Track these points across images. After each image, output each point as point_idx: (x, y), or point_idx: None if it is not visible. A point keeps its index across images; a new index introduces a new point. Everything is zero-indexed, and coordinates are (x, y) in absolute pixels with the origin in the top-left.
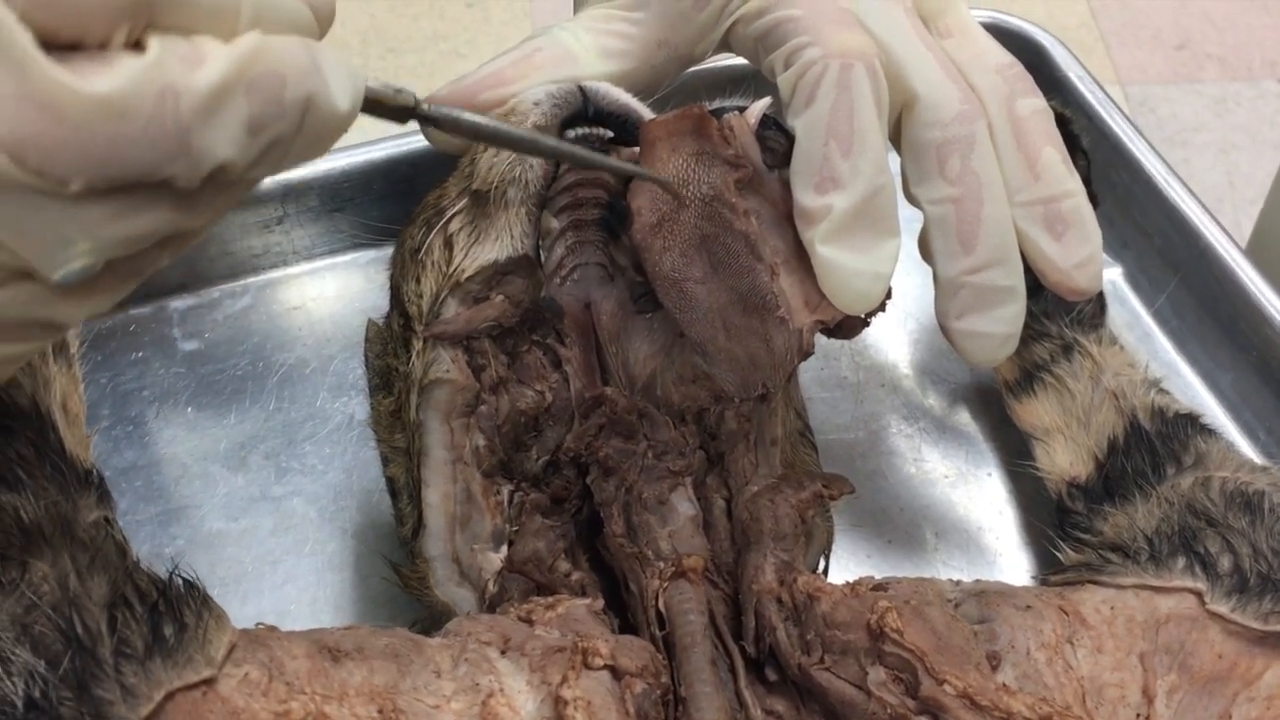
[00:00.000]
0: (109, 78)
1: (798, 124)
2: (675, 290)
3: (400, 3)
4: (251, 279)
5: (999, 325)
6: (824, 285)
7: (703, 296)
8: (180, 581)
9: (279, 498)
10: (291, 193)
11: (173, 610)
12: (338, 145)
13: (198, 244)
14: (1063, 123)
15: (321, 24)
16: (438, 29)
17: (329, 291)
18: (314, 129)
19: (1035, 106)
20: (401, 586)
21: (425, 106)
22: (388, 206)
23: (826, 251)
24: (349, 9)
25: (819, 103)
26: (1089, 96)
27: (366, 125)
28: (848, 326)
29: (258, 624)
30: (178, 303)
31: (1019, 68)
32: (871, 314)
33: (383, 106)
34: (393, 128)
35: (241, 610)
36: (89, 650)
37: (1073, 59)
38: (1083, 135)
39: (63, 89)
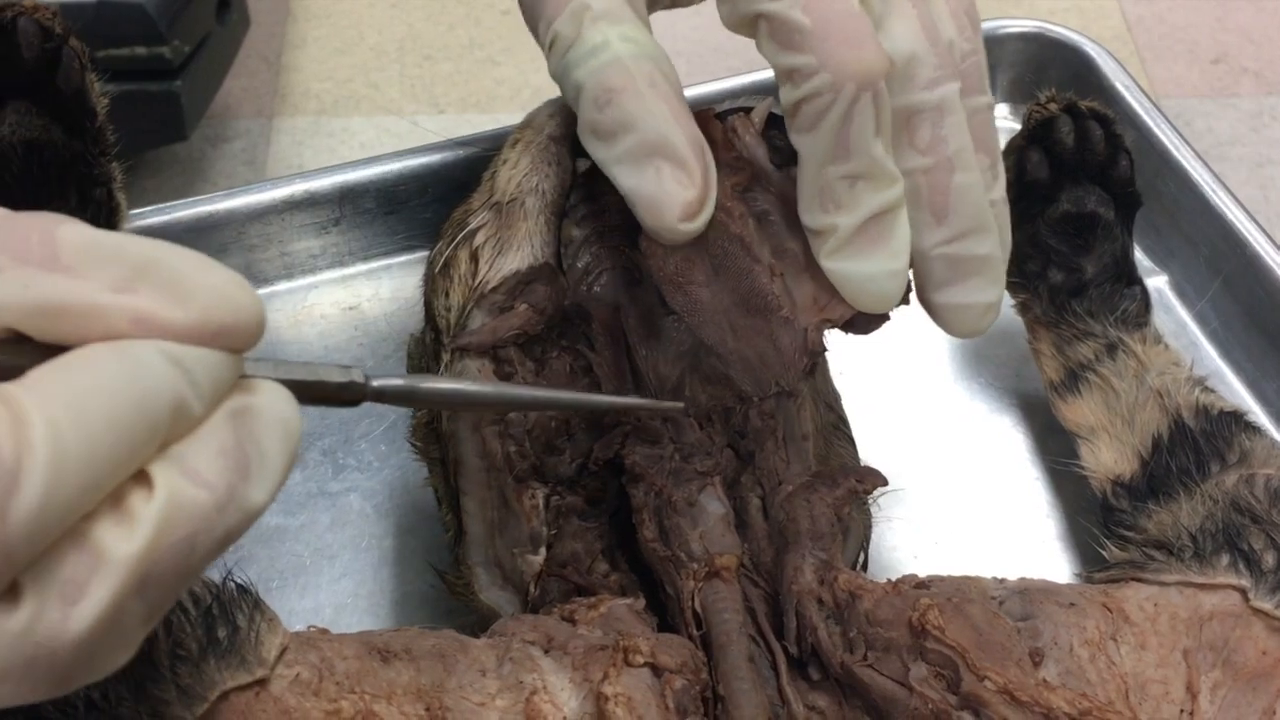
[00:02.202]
0: None
1: (800, 146)
2: (680, 294)
3: (437, 10)
4: (308, 279)
5: (978, 295)
6: (843, 293)
7: (707, 299)
8: (233, 585)
9: (336, 494)
10: (349, 195)
11: (225, 613)
12: (393, 149)
13: (257, 244)
14: (1104, 122)
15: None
16: (474, 36)
17: (384, 292)
18: (223, 545)
19: (979, 104)
20: (449, 593)
21: (375, 385)
22: (442, 209)
23: (834, 265)
24: (386, 17)
25: (823, 132)
26: (1136, 107)
27: (418, 133)
28: (861, 322)
29: (310, 626)
30: None
31: (979, 56)
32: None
33: (330, 400)
34: (446, 134)
35: (300, 603)
36: (145, 652)
37: (1120, 69)
38: (1125, 134)
39: None
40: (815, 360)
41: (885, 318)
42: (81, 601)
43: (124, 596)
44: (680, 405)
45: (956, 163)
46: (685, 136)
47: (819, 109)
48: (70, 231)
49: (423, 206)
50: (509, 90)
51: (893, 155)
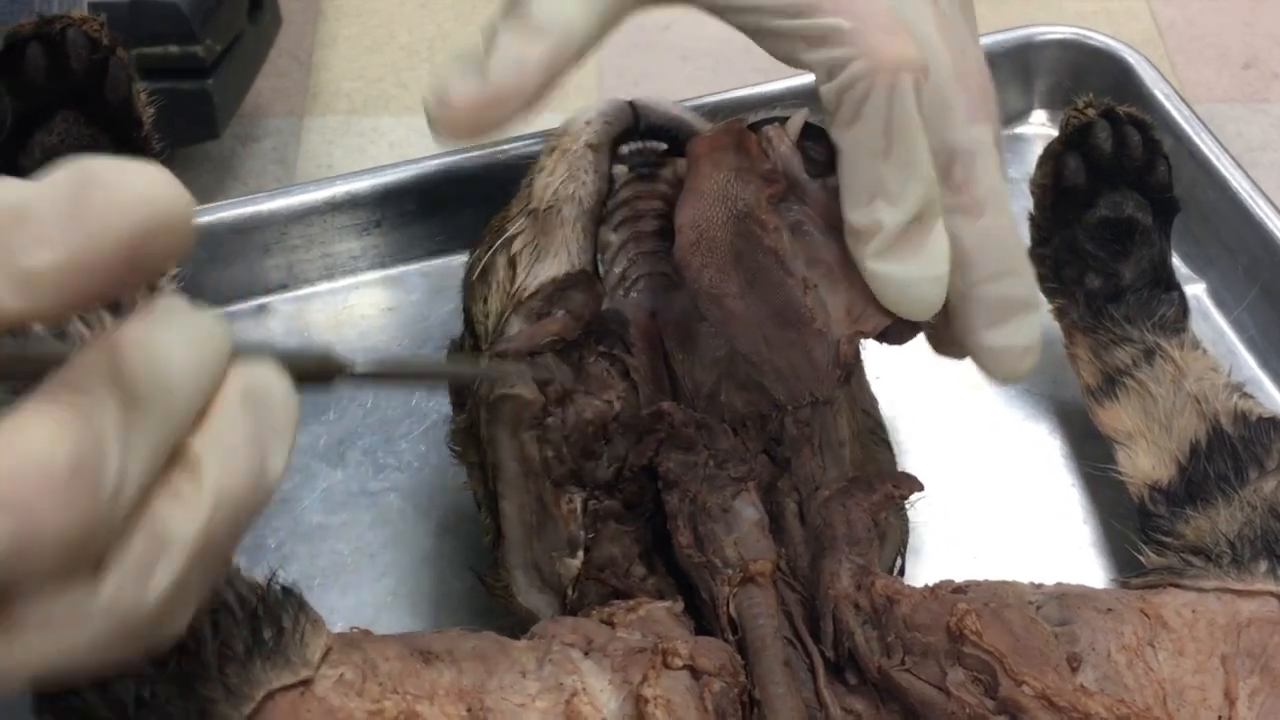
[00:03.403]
0: (24, 646)
1: (843, 140)
2: (715, 305)
3: (466, 11)
4: (349, 279)
5: (1014, 338)
6: (883, 298)
7: (741, 311)
8: (278, 587)
9: (376, 493)
10: (390, 196)
11: (271, 614)
12: (423, 149)
13: (299, 245)
14: (1142, 128)
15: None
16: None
17: (424, 294)
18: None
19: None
20: (488, 596)
21: (353, 369)
22: (482, 211)
23: (878, 267)
24: (417, 16)
25: (866, 120)
26: (1174, 114)
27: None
28: (894, 333)
29: (352, 627)
30: (278, 301)
31: (990, 90)
32: (920, 323)
33: (308, 379)
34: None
35: (342, 601)
36: (193, 652)
37: (1159, 76)
38: (1163, 140)
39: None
40: (849, 371)
41: (917, 329)
42: (154, 577)
43: (188, 571)
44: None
45: (987, 205)
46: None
47: (859, 97)
48: None
49: (463, 208)
50: None
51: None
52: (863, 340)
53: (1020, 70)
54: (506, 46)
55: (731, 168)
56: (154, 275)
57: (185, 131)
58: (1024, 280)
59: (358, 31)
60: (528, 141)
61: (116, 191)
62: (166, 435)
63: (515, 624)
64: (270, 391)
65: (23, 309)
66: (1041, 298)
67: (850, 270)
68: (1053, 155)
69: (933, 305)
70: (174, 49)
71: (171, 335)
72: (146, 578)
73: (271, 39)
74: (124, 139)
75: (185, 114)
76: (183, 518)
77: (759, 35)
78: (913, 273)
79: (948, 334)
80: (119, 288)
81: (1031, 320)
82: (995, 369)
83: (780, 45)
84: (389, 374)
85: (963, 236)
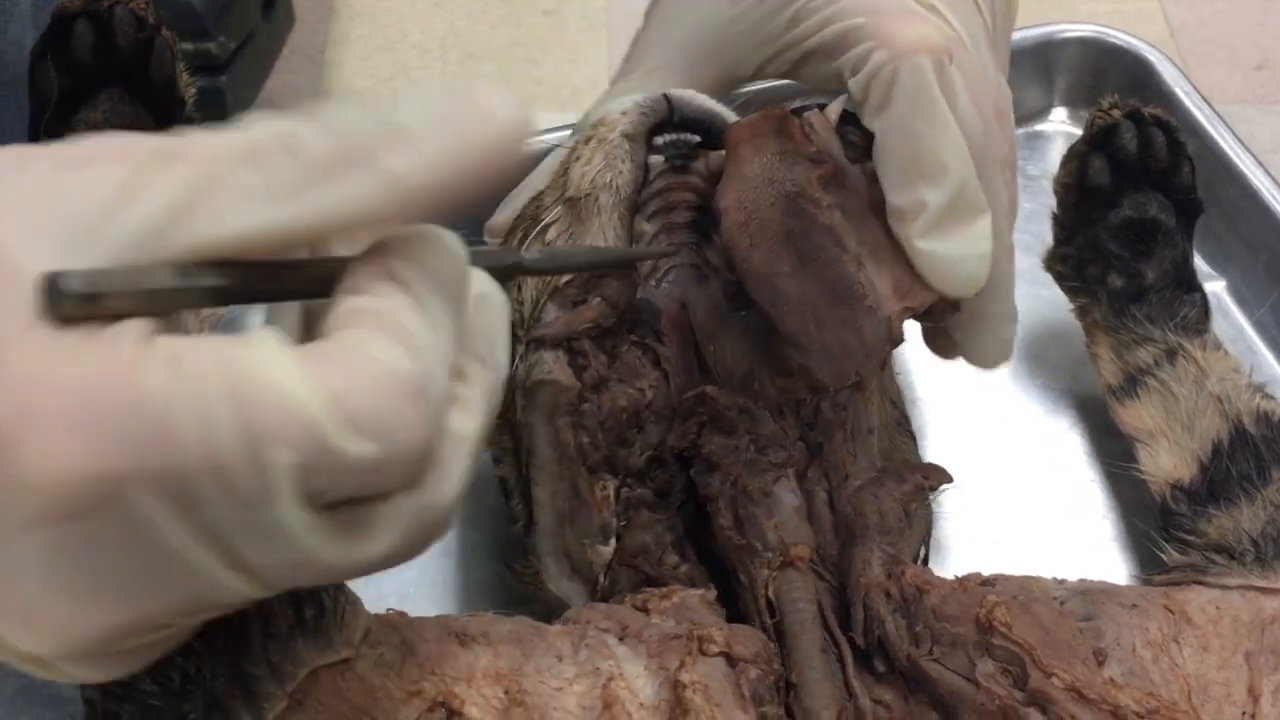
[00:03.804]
0: (385, 539)
1: (876, 126)
2: (766, 286)
3: (479, 10)
4: None
5: (989, 346)
6: (929, 277)
7: (793, 290)
8: None
9: None
10: None
11: (311, 593)
12: None
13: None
14: (1167, 129)
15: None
16: (515, 36)
17: None
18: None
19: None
20: (516, 583)
21: (527, 263)
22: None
23: (925, 245)
24: (429, 16)
25: (895, 104)
26: (1195, 113)
27: None
28: (938, 311)
29: (389, 610)
30: None
31: (1009, 107)
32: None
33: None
34: None
35: (364, 591)
36: (238, 629)
37: (1179, 75)
38: (1187, 142)
39: (339, 557)
40: (894, 348)
41: (956, 307)
42: (450, 475)
43: (471, 466)
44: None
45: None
46: None
47: (886, 82)
48: (333, 120)
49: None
50: (549, 90)
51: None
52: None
53: (1041, 68)
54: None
55: (775, 151)
56: (495, 196)
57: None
58: (1002, 300)
59: (370, 30)
60: (553, 135)
61: (486, 107)
62: (455, 347)
63: (541, 613)
64: (490, 295)
65: (388, 214)
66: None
67: (894, 250)
68: (1077, 155)
69: (979, 281)
70: (188, 45)
71: (442, 256)
72: (446, 477)
73: (284, 37)
74: (167, 117)
75: (198, 111)
76: (466, 420)
77: (796, 68)
78: (958, 250)
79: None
80: (466, 202)
81: (1010, 329)
82: (975, 360)
83: (815, 67)
84: (556, 265)
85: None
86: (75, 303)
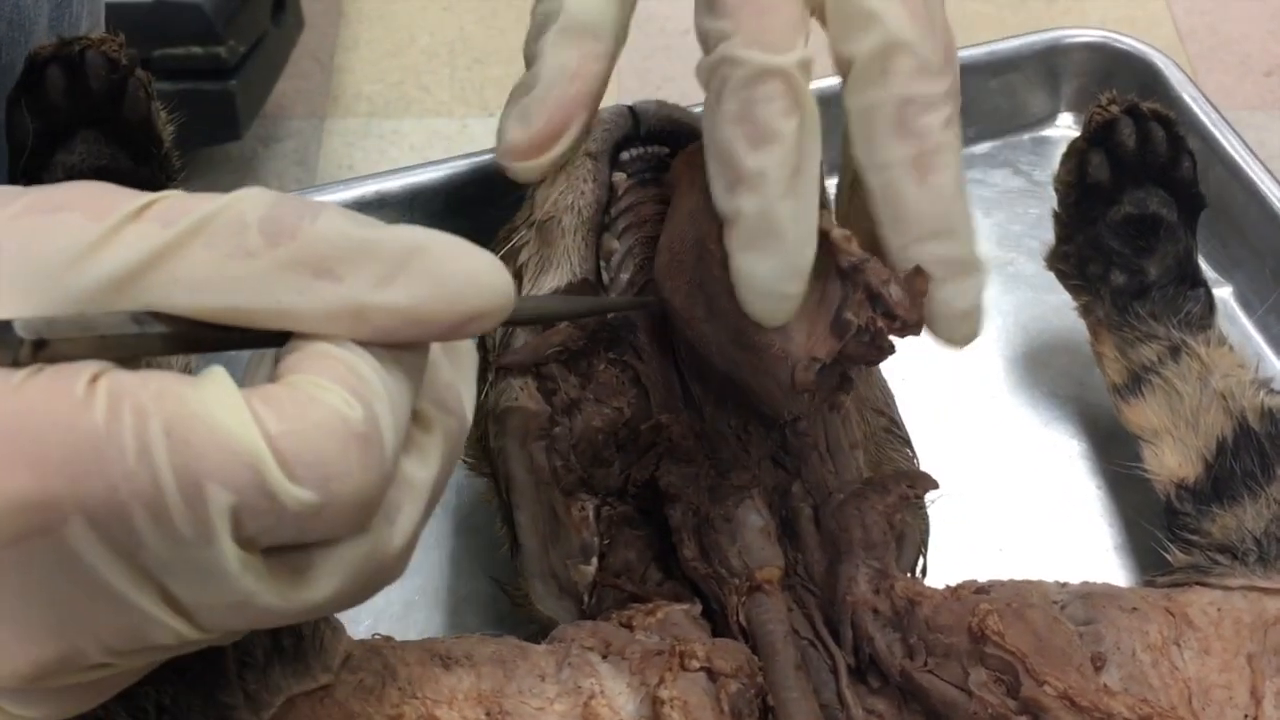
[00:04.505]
0: (326, 584)
1: (709, 119)
2: (687, 329)
3: (488, 15)
4: None
5: (953, 302)
6: (741, 297)
7: (710, 334)
8: None
9: None
10: (419, 197)
11: None
12: (443, 151)
13: None
14: (1166, 124)
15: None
16: (524, 40)
17: None
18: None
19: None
20: (511, 604)
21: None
22: (509, 211)
23: (738, 259)
24: (438, 20)
25: (726, 102)
26: (1203, 118)
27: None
28: (852, 358)
29: (375, 634)
30: None
31: (952, 43)
32: (883, 342)
33: None
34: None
35: (370, 600)
36: (213, 659)
37: (1186, 80)
38: (1186, 137)
39: (277, 601)
40: (815, 393)
41: (882, 352)
42: (400, 523)
43: (425, 514)
44: (651, 300)
45: (935, 161)
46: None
47: (722, 80)
48: (327, 227)
49: (488, 208)
50: None
51: (868, 147)
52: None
53: (1047, 73)
54: (550, 57)
55: (703, 188)
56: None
57: (208, 132)
58: (963, 242)
59: (379, 34)
60: None
61: (452, 264)
62: (412, 393)
63: (539, 632)
64: (460, 344)
65: (339, 332)
66: (982, 262)
67: (817, 294)
68: (1076, 152)
69: (784, 314)
70: (197, 50)
71: (407, 297)
72: (396, 523)
73: (294, 41)
74: (144, 157)
75: (208, 115)
76: (421, 466)
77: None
78: (770, 264)
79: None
80: (429, 340)
81: (970, 284)
82: (935, 331)
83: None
84: (528, 317)
85: (903, 192)
86: (24, 349)
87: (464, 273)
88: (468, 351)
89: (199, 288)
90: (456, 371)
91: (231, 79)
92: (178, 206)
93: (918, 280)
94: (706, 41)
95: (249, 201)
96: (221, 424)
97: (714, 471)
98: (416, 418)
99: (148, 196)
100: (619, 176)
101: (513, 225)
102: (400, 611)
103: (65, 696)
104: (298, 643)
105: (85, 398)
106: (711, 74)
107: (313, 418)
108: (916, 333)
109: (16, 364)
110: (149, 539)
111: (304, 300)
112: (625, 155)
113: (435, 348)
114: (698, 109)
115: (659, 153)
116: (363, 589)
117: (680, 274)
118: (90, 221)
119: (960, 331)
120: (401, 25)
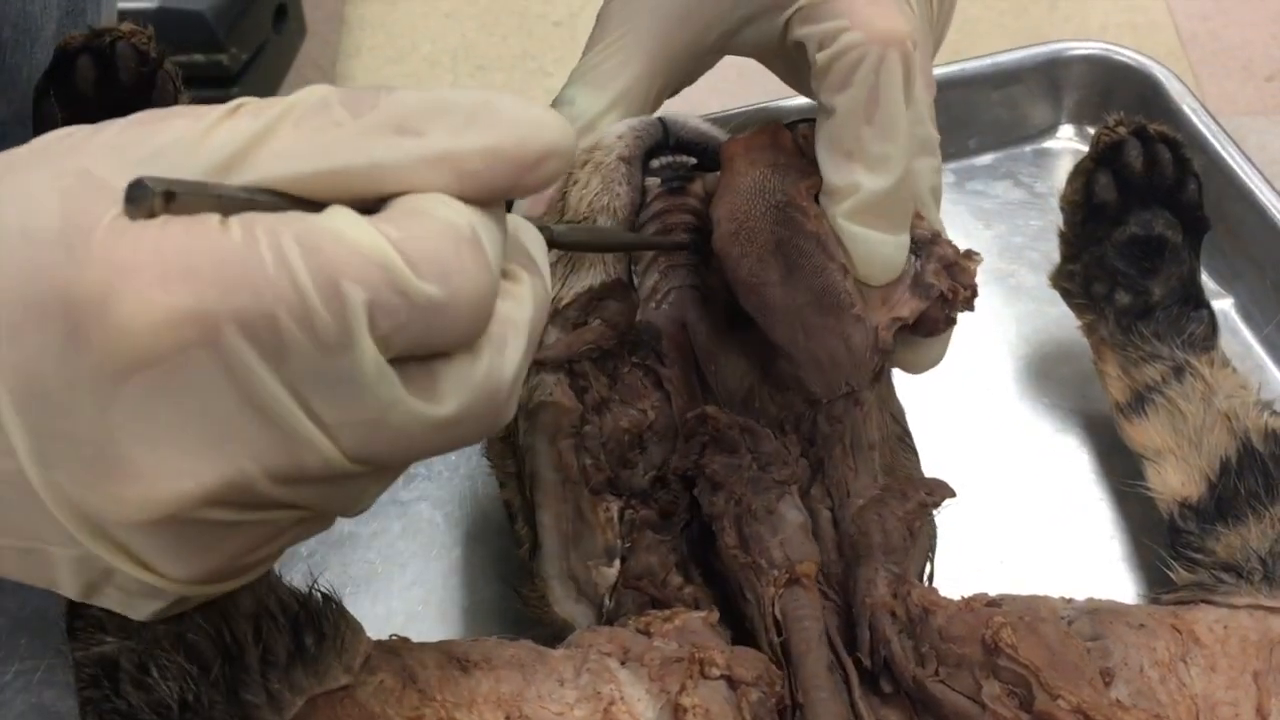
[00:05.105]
0: (451, 400)
1: (830, 103)
2: (755, 295)
3: (490, 21)
4: None
5: (878, 239)
6: (851, 255)
7: (781, 299)
8: (319, 595)
9: (406, 502)
10: None
11: (312, 621)
12: None
13: None
14: (1173, 146)
15: None
16: (526, 47)
17: None
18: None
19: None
20: (523, 607)
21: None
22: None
23: (848, 225)
24: (441, 27)
25: (855, 88)
26: (1203, 130)
27: None
28: (929, 321)
29: (392, 635)
30: None
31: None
32: (955, 311)
33: None
34: None
35: (372, 609)
36: (237, 658)
37: (1186, 91)
38: (1193, 159)
39: (410, 416)
40: (884, 359)
41: (952, 321)
42: (506, 352)
43: (528, 352)
44: (685, 242)
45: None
46: None
47: (850, 65)
48: (403, 94)
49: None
50: None
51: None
52: (897, 330)
53: (1048, 85)
54: None
55: (768, 163)
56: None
57: None
58: (885, 177)
59: (381, 42)
60: None
61: (518, 112)
62: (501, 235)
63: (548, 635)
64: (524, 224)
65: (429, 186)
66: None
67: None
68: (1083, 172)
69: (894, 270)
70: (199, 57)
71: (484, 139)
72: (504, 354)
73: (296, 48)
74: None
75: None
76: (518, 308)
77: (761, 34)
78: (878, 235)
79: None
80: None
81: (894, 221)
82: (861, 266)
83: (781, 35)
84: (581, 242)
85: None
86: (155, 200)
87: (528, 118)
88: (535, 235)
89: (297, 157)
90: (529, 241)
91: (234, 86)
92: (263, 103)
93: (972, 259)
94: (822, 42)
95: (325, 88)
96: (348, 233)
97: (756, 465)
98: (505, 273)
99: (235, 101)
100: (650, 182)
101: (541, 226)
102: (403, 623)
103: (212, 554)
104: (319, 642)
105: (221, 227)
106: (835, 59)
107: (427, 226)
108: (971, 308)
109: (149, 216)
110: (295, 343)
111: (394, 154)
112: (655, 163)
113: (511, 225)
114: (725, 118)
115: (686, 162)
116: (479, 416)
117: (750, 241)
118: (193, 122)
119: (881, 270)
120: (404, 32)
